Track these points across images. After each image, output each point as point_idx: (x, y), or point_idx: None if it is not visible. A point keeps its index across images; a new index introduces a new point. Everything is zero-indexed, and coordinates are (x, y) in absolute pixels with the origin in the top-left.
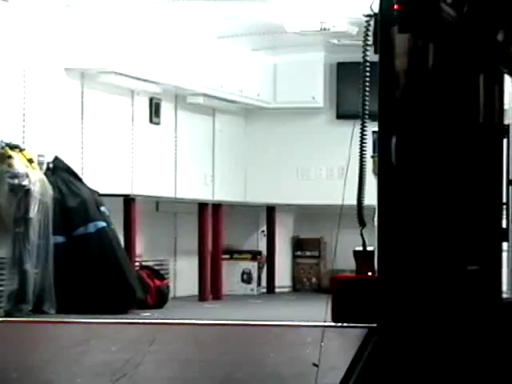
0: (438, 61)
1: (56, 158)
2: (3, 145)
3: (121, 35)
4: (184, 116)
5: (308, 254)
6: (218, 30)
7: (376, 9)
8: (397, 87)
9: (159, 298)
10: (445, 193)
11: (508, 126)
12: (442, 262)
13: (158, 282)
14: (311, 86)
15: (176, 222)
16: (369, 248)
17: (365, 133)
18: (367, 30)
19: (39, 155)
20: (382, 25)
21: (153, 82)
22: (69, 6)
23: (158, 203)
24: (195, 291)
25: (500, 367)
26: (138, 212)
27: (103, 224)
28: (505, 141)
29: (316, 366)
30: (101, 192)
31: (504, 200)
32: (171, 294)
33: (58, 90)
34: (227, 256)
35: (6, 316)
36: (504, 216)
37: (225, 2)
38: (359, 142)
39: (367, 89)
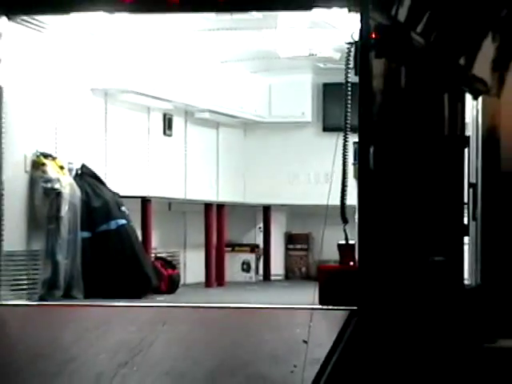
0: (409, 82)
1: (83, 165)
2: (38, 154)
3: (138, 60)
4: (192, 129)
5: (298, 247)
6: (222, 55)
7: (356, 37)
8: (374, 104)
9: (171, 285)
10: (415, 194)
11: (469, 137)
12: (413, 253)
13: (170, 271)
14: (301, 103)
15: (185, 220)
16: (350, 242)
17: (347, 143)
18: (349, 55)
19: (69, 163)
20: (361, 51)
21: (166, 100)
22: (93, 35)
23: (170, 203)
24: (202, 279)
25: (464, 340)
26: (153, 211)
27: (123, 221)
28: (466, 150)
29: (305, 342)
30: (121, 194)
31: (465, 200)
32: (181, 282)
33: (85, 107)
34: (229, 248)
35: (40, 300)
36: (465, 214)
37: (227, 32)
38: (342, 151)
39: (349, 105)
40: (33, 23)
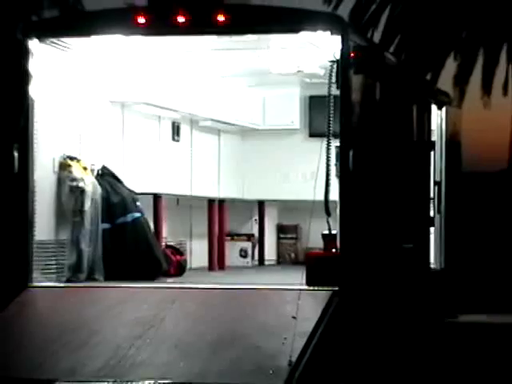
0: (383, 94)
1: (103, 166)
2: (65, 157)
3: (150, 76)
4: (197, 135)
5: (288, 236)
6: (222, 72)
7: (337, 56)
8: (353, 114)
9: (179, 269)
10: (388, 191)
11: (434, 142)
12: (386, 241)
13: (178, 257)
14: (290, 113)
15: (191, 213)
16: (333, 231)
17: (330, 147)
18: (331, 71)
19: (91, 164)
20: (342, 68)
21: (174, 110)
22: (112, 54)
23: (178, 199)
24: (205, 263)
25: (429, 315)
26: (164, 206)
27: (138, 215)
28: (432, 153)
29: (294, 318)
30: (136, 191)
31: (431, 196)
32: (188, 266)
33: (104, 116)
34: (229, 237)
35: (67, 282)
36: (431, 208)
37: (227, 52)
38: (326, 154)
39: (331, 115)
40: (59, 44)
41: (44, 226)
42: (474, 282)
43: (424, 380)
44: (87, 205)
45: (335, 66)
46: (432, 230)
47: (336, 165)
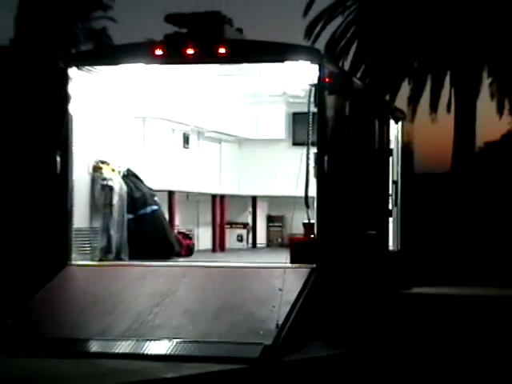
0: (351, 111)
1: (128, 169)
2: (97, 161)
3: (166, 97)
4: (203, 144)
5: (276, 224)
6: (223, 93)
7: (315, 81)
8: (327, 127)
9: (188, 251)
10: (355, 188)
11: (392, 149)
12: (354, 228)
13: (187, 241)
14: (277, 126)
15: (198, 206)
16: (311, 221)
17: (309, 153)
18: (310, 93)
19: (118, 167)
20: (319, 90)
21: (185, 124)
22: (135, 79)
23: (187, 195)
24: (209, 246)
25: (388, 287)
26: (176, 200)
27: (155, 207)
28: (390, 158)
29: (280, 290)
30: (154, 188)
31: (390, 192)
32: (196, 248)
33: (129, 128)
34: (228, 226)
35: (98, 261)
36: (390, 202)
37: (227, 77)
38: (306, 159)
39: (310, 128)
40: (93, 71)
41: (80, 216)
42: (424, 261)
43: (383, 335)
44: (115, 199)
45: (313, 88)
46: (390, 219)
47: (314, 167)
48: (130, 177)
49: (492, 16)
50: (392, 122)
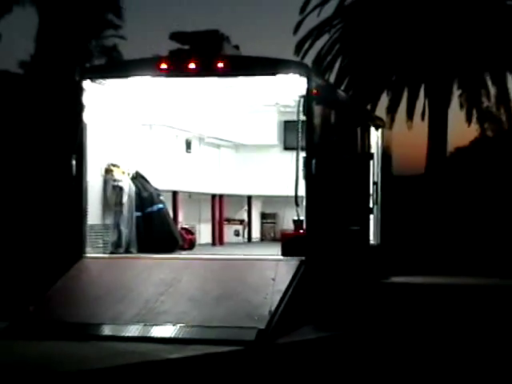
0: (336, 119)
1: (136, 171)
2: (109, 164)
3: (171, 106)
4: (204, 148)
5: (269, 221)
6: (221, 104)
7: (304, 92)
8: (315, 133)
9: (191, 245)
10: (340, 188)
11: (373, 153)
12: (339, 224)
13: (190, 236)
14: (270, 132)
15: (200, 205)
16: (301, 218)
17: (298, 157)
18: (299, 103)
19: (128, 169)
20: (307, 101)
21: (187, 131)
22: (143, 90)
23: (190, 194)
24: (209, 241)
25: (369, 277)
26: (180, 199)
27: (161, 206)
28: (371, 161)
29: (273, 280)
30: (160, 188)
31: (371, 192)
32: (197, 242)
33: (137, 135)
34: (226, 222)
35: (110, 254)
36: (371, 200)
37: (225, 89)
38: (295, 162)
39: (300, 134)
40: (104, 82)
41: (94, 213)
42: (401, 253)
43: (366, 319)
44: (125, 199)
45: (302, 99)
46: (371, 216)
47: (303, 169)
48: (138, 178)
49: (460, 36)
50: (373, 129)
